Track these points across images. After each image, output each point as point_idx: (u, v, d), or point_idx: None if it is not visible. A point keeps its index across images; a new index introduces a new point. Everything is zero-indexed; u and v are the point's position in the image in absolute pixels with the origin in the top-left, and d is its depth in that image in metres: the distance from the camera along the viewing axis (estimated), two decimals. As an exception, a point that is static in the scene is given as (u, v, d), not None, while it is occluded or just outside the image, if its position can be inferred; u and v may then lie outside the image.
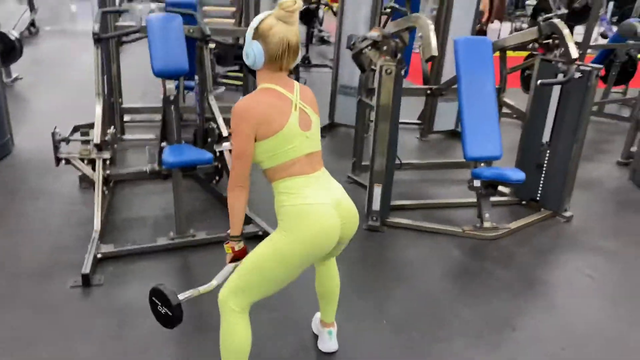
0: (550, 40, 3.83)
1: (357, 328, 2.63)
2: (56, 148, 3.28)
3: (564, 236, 3.74)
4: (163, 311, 1.89)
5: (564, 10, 3.88)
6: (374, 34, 3.55)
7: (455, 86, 4.03)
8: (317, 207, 1.88)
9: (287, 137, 1.86)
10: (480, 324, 2.73)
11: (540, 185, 3.99)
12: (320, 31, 11.24)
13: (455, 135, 5.77)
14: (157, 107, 4.98)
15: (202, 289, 2.02)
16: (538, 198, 4.03)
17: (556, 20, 3.55)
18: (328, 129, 5.65)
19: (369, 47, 3.67)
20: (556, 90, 3.76)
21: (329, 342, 2.44)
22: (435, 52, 3.22)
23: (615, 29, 6.52)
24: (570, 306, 2.94)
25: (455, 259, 3.38)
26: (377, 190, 3.55)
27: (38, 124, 5.25)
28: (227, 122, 3.86)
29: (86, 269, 2.83)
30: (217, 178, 3.97)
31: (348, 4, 5.33)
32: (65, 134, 3.44)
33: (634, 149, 5.10)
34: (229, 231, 2.04)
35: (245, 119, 1.83)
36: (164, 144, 3.24)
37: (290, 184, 1.90)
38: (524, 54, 6.14)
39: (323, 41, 11.25)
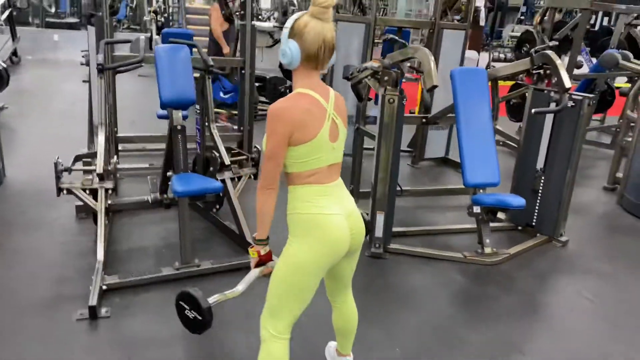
0: (541, 71, 3.98)
1: (370, 357, 2.62)
2: (58, 178, 3.24)
3: (561, 260, 3.82)
4: (192, 316, 1.87)
5: (554, 42, 4.05)
6: (374, 64, 3.63)
7: (449, 114, 4.15)
8: (330, 218, 1.89)
9: (316, 147, 1.86)
10: (490, 349, 2.76)
11: (536, 210, 4.08)
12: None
13: (445, 162, 5.88)
14: (152, 137, 4.99)
15: (229, 293, 2.01)
16: (534, 223, 4.12)
17: (549, 52, 3.69)
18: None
19: (369, 77, 3.75)
20: (549, 119, 3.88)
21: (346, 373, 2.43)
22: (436, 82, 3.32)
23: (594, 60, 6.79)
24: (575, 330, 2.99)
25: (459, 284, 3.42)
26: (380, 217, 3.59)
27: (27, 153, 5.18)
28: (228, 150, 3.92)
29: (93, 300, 2.78)
30: (217, 207, 3.95)
31: (340, 36, 5.44)
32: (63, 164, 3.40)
33: (619, 174, 5.26)
34: (254, 235, 2.02)
35: (282, 120, 1.81)
36: (170, 173, 3.24)
37: (307, 192, 1.90)
38: (509, 83, 6.33)
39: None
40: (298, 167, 1.90)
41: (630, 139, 5.06)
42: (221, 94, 6.41)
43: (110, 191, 3.38)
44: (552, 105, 3.81)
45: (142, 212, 4.01)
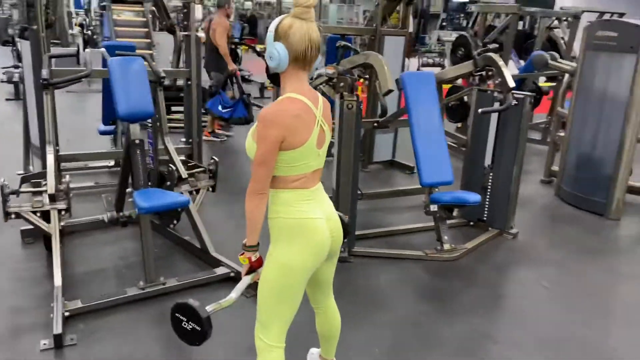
0: (484, 72, 4.18)
1: (350, 358, 2.64)
2: (5, 202, 3.03)
3: (515, 251, 4.01)
4: (190, 327, 1.82)
5: (494, 45, 4.28)
6: (330, 71, 3.68)
7: (399, 118, 4.27)
8: (313, 222, 1.90)
9: (304, 153, 1.86)
10: (465, 340, 2.85)
11: (486, 206, 4.27)
12: (241, 70, 11.36)
13: (393, 165, 6.03)
14: (96, 154, 4.78)
15: (224, 302, 1.97)
16: (485, 218, 4.31)
17: (491, 54, 3.89)
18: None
19: (324, 84, 3.79)
20: (494, 117, 4.08)
21: (331, 377, 2.43)
22: (392, 86, 3.40)
23: (522, 61, 7.21)
24: (538, 315, 3.14)
25: (424, 281, 3.51)
26: (344, 221, 3.62)
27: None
28: (184, 163, 3.83)
29: (57, 328, 2.62)
30: (175, 222, 3.84)
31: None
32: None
33: (554, 168, 5.60)
34: (244, 241, 1.99)
35: (275, 124, 1.79)
36: (129, 189, 3.11)
37: (291, 197, 1.90)
38: (447, 86, 6.59)
39: (243, 80, 11.36)
40: (284, 171, 1.88)
41: (562, 134, 5.40)
42: (219, 108, 6.31)
43: (63, 212, 3.20)
44: (497, 105, 4.02)
45: (94, 233, 3.83)
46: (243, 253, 2.01)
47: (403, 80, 3.88)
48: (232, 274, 3.32)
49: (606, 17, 7.43)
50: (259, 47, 10.93)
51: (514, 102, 3.88)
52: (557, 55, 5.86)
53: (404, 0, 5.48)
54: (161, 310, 2.99)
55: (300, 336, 2.48)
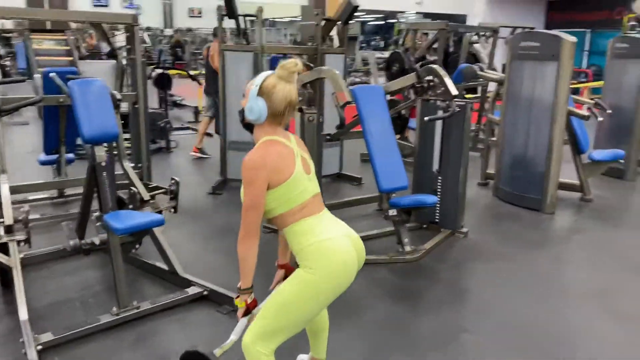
0: (425, 83, 4.45)
1: (339, 361, 2.72)
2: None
3: (468, 249, 4.26)
4: None
5: (435, 57, 4.57)
6: (286, 86, 3.78)
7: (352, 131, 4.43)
8: (335, 241, 1.99)
9: (296, 182, 1.98)
10: (440, 333, 3.01)
11: (437, 208, 4.51)
12: (172, 95, 11.23)
13: (340, 177, 6.19)
14: (46, 183, 4.60)
15: (226, 345, 1.99)
16: (437, 220, 4.54)
17: (434, 66, 4.16)
18: (222, 186, 5.67)
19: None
20: (439, 124, 4.35)
21: (324, 378, 2.49)
22: (350, 98, 3.56)
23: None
24: (501, 304, 3.36)
25: (392, 282, 3.65)
26: (310, 231, 3.70)
27: None
28: (144, 186, 3.76)
29: (32, 363, 2.50)
30: (137, 246, 3.75)
31: (229, 63, 5.53)
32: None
33: (489, 171, 5.99)
34: (239, 285, 2.04)
35: (260, 169, 1.91)
36: (97, 213, 3.03)
37: (304, 225, 2.00)
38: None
39: (176, 105, 11.24)
40: (285, 206, 1.98)
41: (494, 139, 5.81)
42: None
43: (22, 243, 3.06)
44: (440, 112, 4.28)
45: (51, 265, 3.68)
46: (238, 296, 2.07)
47: (355, 94, 4.04)
48: (205, 293, 3.30)
49: (518, 31, 8.10)
50: (192, 72, 10.93)
51: (457, 109, 4.15)
52: (484, 66, 6.32)
53: (341, 21, 5.71)
54: (138, 335, 2.93)
55: (288, 341, 2.52)
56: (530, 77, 5.17)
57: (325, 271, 1.95)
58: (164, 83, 9.30)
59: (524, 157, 5.32)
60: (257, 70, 5.47)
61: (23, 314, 2.84)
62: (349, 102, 3.58)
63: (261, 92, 1.96)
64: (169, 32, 23.97)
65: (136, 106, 4.64)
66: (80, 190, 5.18)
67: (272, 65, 5.90)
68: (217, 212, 5.13)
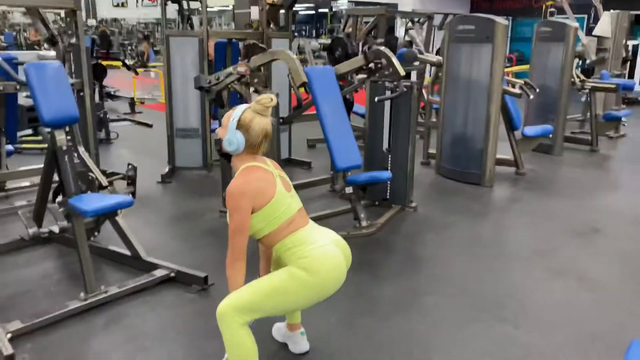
0: (373, 65, 4.62)
1: (312, 329, 2.83)
2: None
3: (419, 221, 4.50)
4: None
5: (381, 40, 4.75)
6: (241, 69, 3.83)
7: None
8: (327, 248, 2.13)
9: (280, 201, 2.11)
10: (404, 298, 3.20)
11: (388, 185, 4.72)
12: (104, 87, 10.86)
13: (290, 162, 6.29)
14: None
15: None
16: (388, 197, 4.75)
17: (382, 48, 4.33)
18: (171, 174, 5.62)
19: (235, 82, 3.93)
20: (388, 104, 4.54)
21: (302, 343, 2.61)
22: (305, 79, 3.66)
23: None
24: (455, 269, 3.61)
25: (353, 255, 3.76)
26: (271, 210, 3.80)
27: None
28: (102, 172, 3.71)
29: (7, 349, 2.46)
30: (96, 233, 3.70)
31: (174, 49, 5.46)
32: None
33: (431, 150, 6.30)
34: None
35: (244, 195, 2.04)
36: (59, 198, 2.98)
37: (296, 238, 2.12)
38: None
39: (110, 96, 10.89)
40: (272, 225, 2.10)
41: (434, 120, 6.11)
42: None
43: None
44: (389, 93, 4.48)
45: (2, 258, 3.56)
46: None
47: (308, 74, 4.15)
48: (172, 275, 3.32)
49: (450, 18, 8.49)
50: (128, 62, 10.59)
51: (404, 89, 4.36)
52: (422, 50, 6.60)
53: (285, 6, 5.78)
54: (108, 319, 2.92)
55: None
56: (467, 58, 5.48)
57: (320, 276, 2.08)
58: (98, 73, 8.98)
59: (463, 135, 5.64)
60: (202, 56, 5.47)
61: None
62: (305, 83, 3.68)
63: (239, 126, 2.09)
64: (92, 22, 23.05)
65: (81, 94, 4.53)
66: (23, 183, 5.04)
67: (217, 50, 5.91)
68: (169, 200, 5.10)
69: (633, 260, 3.78)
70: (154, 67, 14.25)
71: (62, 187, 2.95)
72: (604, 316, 3.02)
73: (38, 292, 3.19)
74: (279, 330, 2.72)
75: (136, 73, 9.86)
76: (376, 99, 4.41)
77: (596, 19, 9.59)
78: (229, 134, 2.10)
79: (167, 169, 5.59)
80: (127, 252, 3.52)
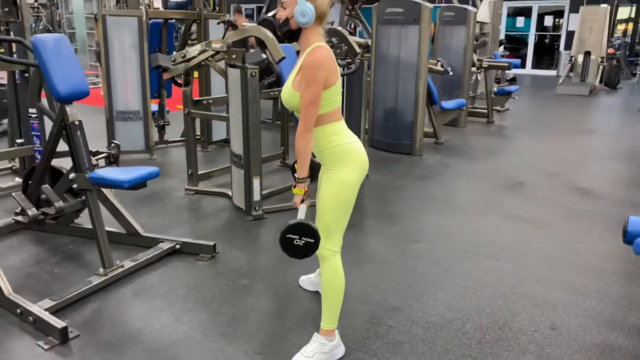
0: (329, 44, 4.92)
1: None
2: None
3: (375, 186, 4.94)
4: (302, 242, 2.08)
5: (332, 21, 5.00)
6: (217, 45, 3.92)
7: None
8: (357, 145, 2.33)
9: (338, 88, 2.26)
10: (396, 246, 3.60)
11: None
12: None
13: (228, 142, 6.36)
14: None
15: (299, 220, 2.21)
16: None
17: (338, 27, 4.65)
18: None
19: (209, 59, 4.01)
20: (340, 80, 4.88)
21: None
22: (284, 54, 3.87)
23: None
24: (425, 221, 4.09)
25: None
26: (256, 182, 3.97)
27: None
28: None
29: (58, 322, 2.44)
30: (79, 216, 3.60)
31: (111, 29, 5.28)
32: None
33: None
34: (296, 175, 2.28)
35: (322, 67, 2.13)
36: (72, 175, 2.89)
37: (337, 127, 2.28)
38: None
39: None
40: (327, 107, 2.25)
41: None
42: None
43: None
44: (343, 70, 4.81)
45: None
46: (295, 186, 2.32)
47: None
48: (177, 247, 3.39)
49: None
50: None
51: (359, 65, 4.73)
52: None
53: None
54: (135, 289, 2.95)
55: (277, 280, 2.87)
56: (396, 39, 5.99)
57: (355, 166, 2.28)
58: None
59: (394, 110, 6.17)
60: (141, 36, 5.36)
61: (5, 287, 2.66)
62: (283, 57, 3.88)
63: None
64: None
65: (26, 75, 4.28)
66: None
67: (151, 31, 5.80)
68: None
69: (559, 203, 4.55)
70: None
71: (75, 163, 2.87)
72: (558, 244, 3.68)
73: (42, 275, 3.09)
74: (308, 280, 2.97)
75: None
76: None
77: (474, 7, 10.77)
78: (300, 6, 2.13)
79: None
80: (120, 231, 3.49)
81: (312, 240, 2.12)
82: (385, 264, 3.34)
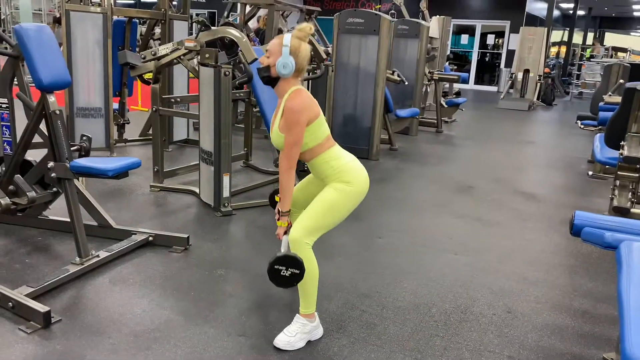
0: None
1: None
2: None
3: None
4: (288, 273, 2.24)
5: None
6: (190, 44, 4.01)
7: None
8: (357, 162, 2.54)
9: (321, 120, 2.46)
10: (361, 241, 3.80)
11: (305, 157, 5.25)
12: None
13: (188, 142, 6.42)
14: None
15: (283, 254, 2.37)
16: (305, 168, 5.28)
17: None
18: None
19: (181, 57, 4.09)
20: (305, 85, 5.07)
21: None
22: (256, 55, 4.01)
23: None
24: (388, 219, 4.32)
25: (299, 216, 4.28)
26: (226, 179, 4.07)
27: None
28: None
29: (42, 307, 2.46)
30: (48, 208, 3.57)
31: (75, 25, 5.23)
32: None
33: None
34: (279, 209, 2.47)
35: (303, 110, 2.33)
36: (51, 164, 2.90)
37: (333, 152, 2.48)
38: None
39: None
40: (316, 139, 2.42)
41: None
42: None
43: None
44: (309, 75, 5.00)
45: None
46: (279, 218, 2.49)
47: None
48: (150, 238, 3.44)
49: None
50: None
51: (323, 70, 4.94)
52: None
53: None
54: (111, 277, 2.99)
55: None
56: (356, 48, 6.25)
57: (358, 184, 2.48)
58: None
59: (353, 115, 6.41)
60: (106, 33, 5.34)
61: (-19, 274, 2.65)
62: (256, 59, 4.01)
63: (291, 52, 2.34)
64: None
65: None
66: None
67: (115, 29, 5.78)
68: (86, 180, 4.92)
69: (506, 204, 4.91)
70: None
71: (54, 152, 2.89)
72: (506, 240, 3.99)
73: (14, 265, 3.07)
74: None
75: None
76: (307, 78, 4.90)
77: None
78: (284, 58, 2.31)
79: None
80: (92, 223, 3.50)
81: (298, 271, 2.29)
82: (354, 256, 3.53)
